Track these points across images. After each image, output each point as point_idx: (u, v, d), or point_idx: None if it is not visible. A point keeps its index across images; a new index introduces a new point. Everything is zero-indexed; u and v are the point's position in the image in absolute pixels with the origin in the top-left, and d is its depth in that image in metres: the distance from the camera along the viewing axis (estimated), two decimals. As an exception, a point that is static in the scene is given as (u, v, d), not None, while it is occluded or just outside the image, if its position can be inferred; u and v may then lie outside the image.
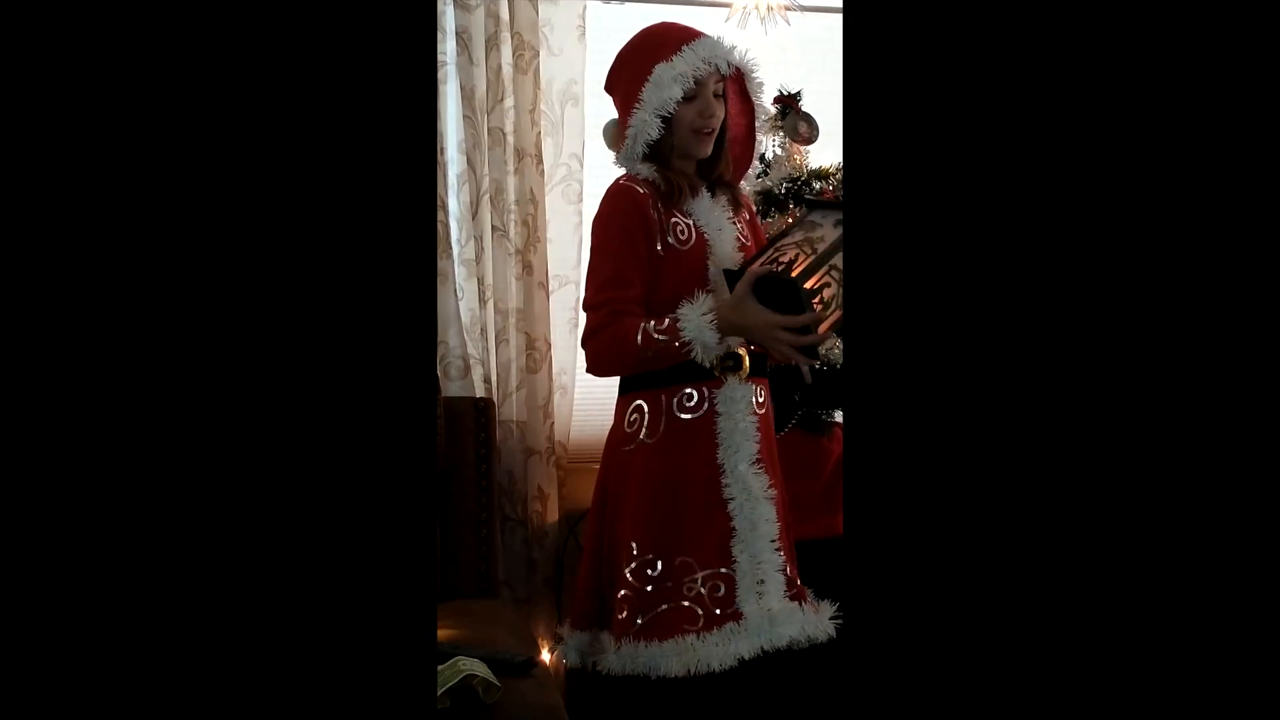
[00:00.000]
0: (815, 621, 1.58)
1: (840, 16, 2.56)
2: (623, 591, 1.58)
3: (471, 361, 2.35)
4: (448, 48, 2.32)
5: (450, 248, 2.32)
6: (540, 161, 2.36)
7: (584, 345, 1.62)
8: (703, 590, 1.54)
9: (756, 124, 1.72)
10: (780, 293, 1.46)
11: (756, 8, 2.51)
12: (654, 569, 1.56)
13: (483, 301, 2.36)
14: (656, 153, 1.62)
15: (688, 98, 1.59)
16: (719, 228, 1.64)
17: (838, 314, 1.48)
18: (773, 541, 1.58)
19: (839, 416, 2.28)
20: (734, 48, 1.67)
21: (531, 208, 2.34)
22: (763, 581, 1.56)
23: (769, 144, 2.34)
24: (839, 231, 1.50)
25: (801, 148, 2.32)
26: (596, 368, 1.62)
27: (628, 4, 2.51)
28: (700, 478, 1.58)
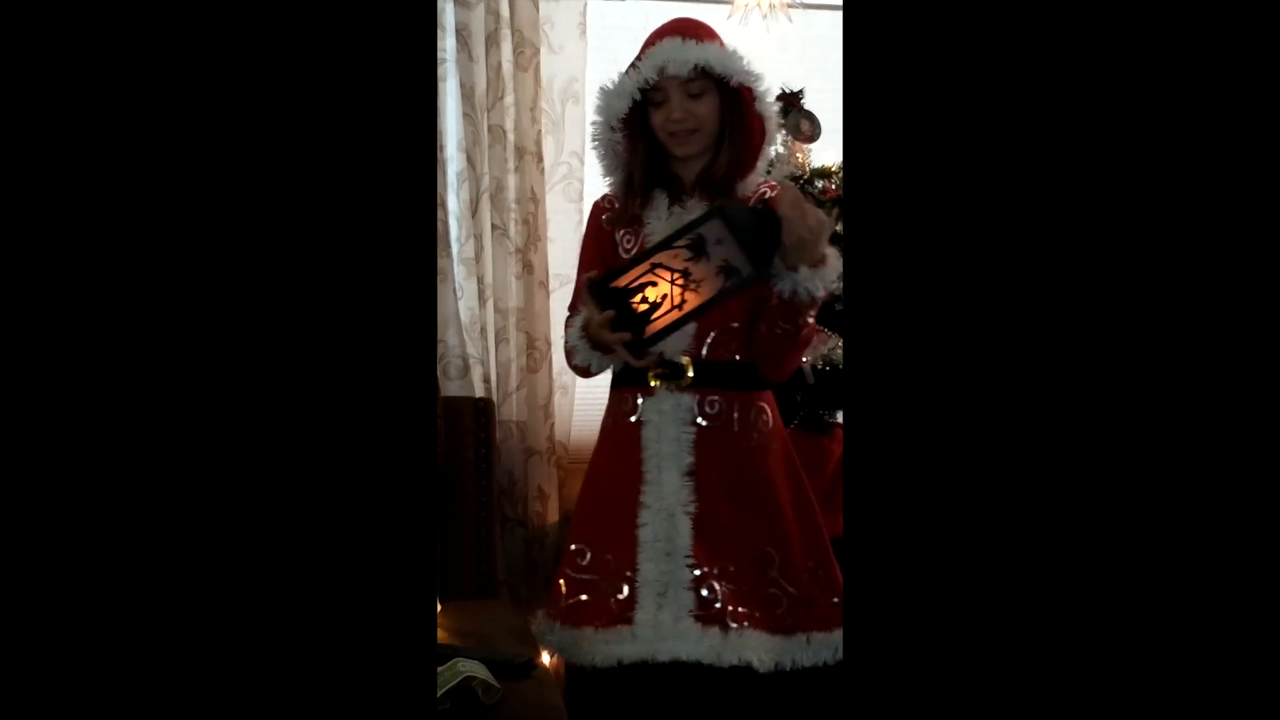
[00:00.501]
0: (719, 647, 1.51)
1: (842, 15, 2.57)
2: (560, 582, 1.62)
3: (471, 361, 2.34)
4: (447, 45, 2.31)
5: (450, 246, 2.31)
6: (541, 160, 2.35)
7: None
8: (612, 589, 1.56)
9: (759, 109, 1.62)
10: (606, 295, 1.44)
11: (759, 5, 2.50)
12: (583, 558, 1.59)
13: (482, 301, 2.35)
14: (633, 156, 1.61)
15: (656, 103, 1.58)
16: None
17: (674, 314, 1.41)
18: (686, 557, 1.54)
19: (840, 417, 2.27)
20: (695, 43, 1.57)
21: (532, 206, 2.33)
22: (663, 594, 1.53)
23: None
24: (670, 229, 1.46)
25: (804, 146, 2.31)
26: (570, 367, 1.68)
27: (629, 1, 2.50)
28: (622, 482, 1.58)
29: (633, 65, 1.61)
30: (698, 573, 1.54)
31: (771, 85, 2.34)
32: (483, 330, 2.36)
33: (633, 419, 1.59)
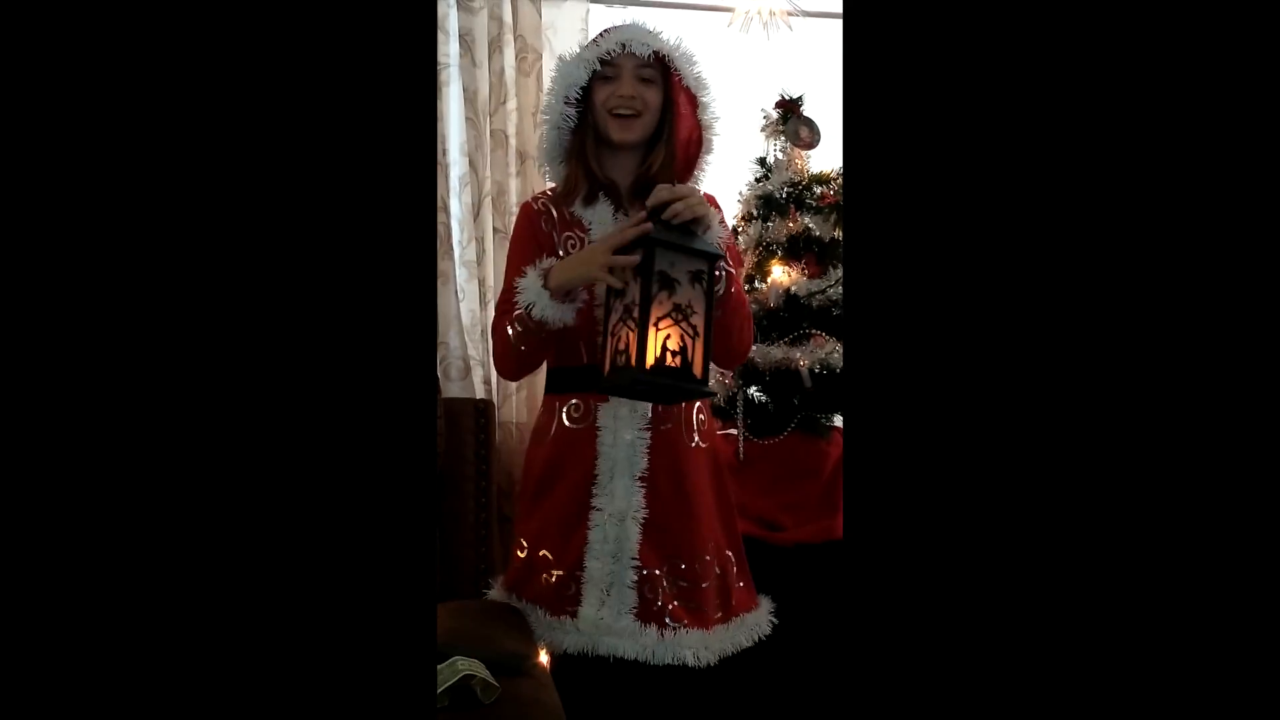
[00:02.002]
0: (655, 644, 1.57)
1: (841, 23, 2.59)
2: (513, 565, 1.72)
3: (472, 363, 2.36)
4: (450, 50, 2.33)
5: (452, 249, 2.33)
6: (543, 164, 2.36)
7: None
8: (553, 583, 1.62)
9: (701, 117, 1.65)
10: (650, 374, 1.39)
11: (759, 13, 2.52)
12: (526, 554, 1.67)
13: (484, 303, 2.37)
14: (575, 146, 1.62)
15: (606, 78, 1.59)
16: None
17: (699, 343, 1.42)
18: (632, 559, 1.59)
19: (838, 420, 2.29)
20: (659, 33, 1.61)
21: (533, 210, 2.35)
22: (607, 592, 1.59)
23: (770, 149, 2.36)
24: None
25: (803, 152, 2.33)
26: (502, 372, 1.70)
27: (631, 7, 2.52)
28: (573, 485, 1.62)
29: (591, 43, 1.64)
30: (642, 574, 1.59)
31: (771, 92, 2.38)
32: (484, 332, 2.38)
33: (584, 425, 1.61)
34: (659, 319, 1.40)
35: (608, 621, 1.58)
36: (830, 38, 2.62)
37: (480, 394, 2.36)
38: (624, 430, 1.59)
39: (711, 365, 1.47)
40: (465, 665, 1.43)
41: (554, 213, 1.64)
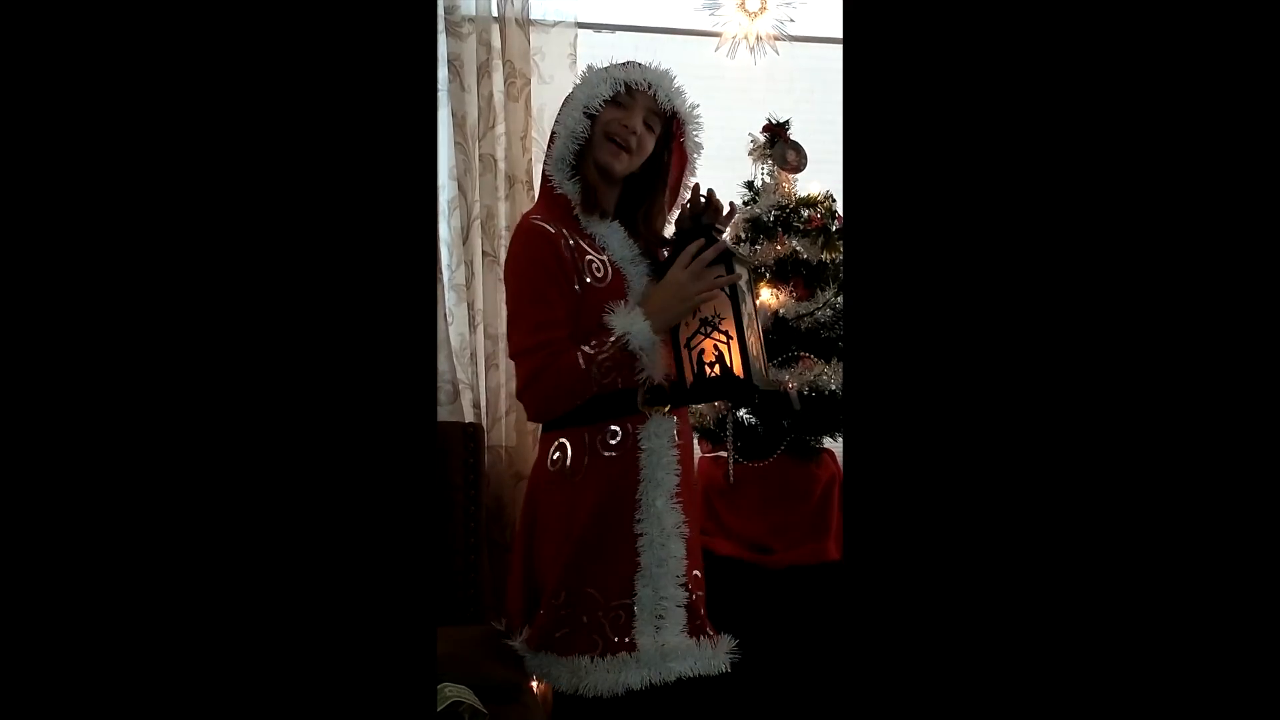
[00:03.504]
0: (710, 657, 1.57)
1: (829, 47, 2.61)
2: (541, 612, 1.60)
3: (461, 386, 2.35)
4: (440, 74, 2.34)
5: (441, 272, 2.33)
6: (531, 188, 2.37)
7: (522, 395, 1.58)
8: (604, 620, 1.55)
9: (686, 177, 1.70)
10: (695, 386, 1.54)
11: (746, 37, 2.54)
12: (560, 599, 1.57)
13: (473, 326, 2.37)
14: (580, 167, 1.62)
15: (617, 104, 1.61)
16: (632, 261, 1.62)
17: (733, 344, 1.51)
18: (678, 577, 1.58)
19: (827, 442, 2.29)
20: (682, 92, 1.65)
21: (522, 233, 2.35)
22: (662, 616, 1.57)
23: (758, 172, 2.37)
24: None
25: (790, 176, 2.34)
26: (546, 412, 1.60)
27: (619, 33, 2.54)
28: (617, 513, 1.58)
29: (620, 65, 1.64)
30: (686, 590, 1.58)
31: (759, 115, 2.39)
32: (473, 356, 2.37)
33: (624, 450, 1.57)
34: (694, 336, 1.52)
35: (669, 644, 1.55)
36: (816, 62, 2.64)
37: (469, 418, 2.35)
38: (664, 449, 1.58)
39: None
40: (453, 691, 1.42)
41: (568, 236, 1.59)
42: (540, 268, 1.54)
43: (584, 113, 1.59)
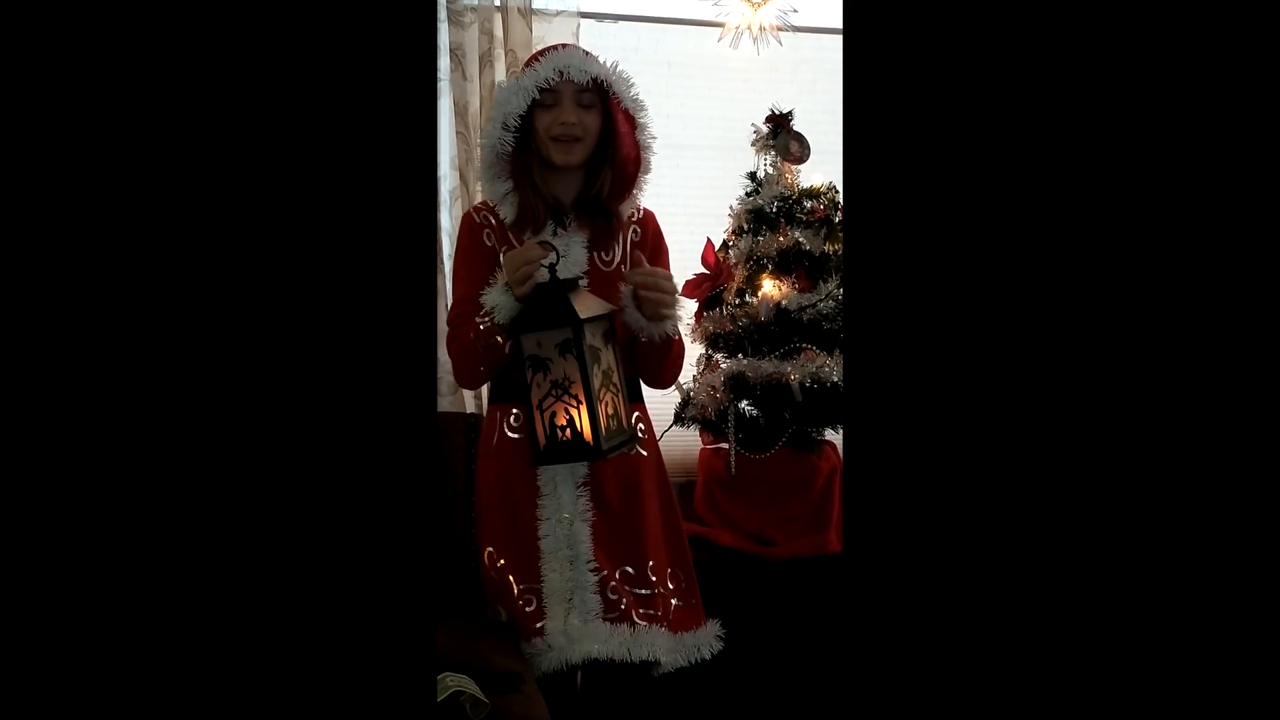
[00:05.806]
0: (632, 642, 1.59)
1: (832, 38, 2.60)
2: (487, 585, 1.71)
3: (462, 377, 2.35)
4: (442, 64, 2.33)
5: (442, 263, 2.33)
6: (533, 178, 2.37)
7: None
8: (520, 602, 1.63)
9: (640, 137, 1.70)
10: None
11: (749, 28, 2.53)
12: (489, 559, 1.68)
13: (474, 317, 2.36)
14: (520, 170, 1.66)
15: (545, 105, 1.62)
16: (563, 253, 1.63)
17: (581, 408, 1.52)
18: (588, 563, 1.62)
19: (829, 434, 2.29)
20: (594, 58, 1.66)
21: (523, 224, 2.35)
22: (570, 600, 1.61)
23: (760, 163, 2.36)
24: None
25: (793, 167, 2.34)
26: (463, 380, 1.74)
27: (621, 23, 2.53)
28: (519, 494, 1.66)
29: (526, 67, 1.67)
30: (600, 576, 1.61)
31: (762, 106, 2.38)
32: (473, 346, 2.37)
33: (521, 435, 1.65)
34: (543, 399, 1.52)
35: (577, 627, 1.59)
36: (819, 53, 2.64)
37: (470, 408, 2.35)
38: None
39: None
40: (454, 681, 1.42)
41: (494, 223, 1.69)
42: (463, 252, 1.71)
43: (504, 127, 1.63)
